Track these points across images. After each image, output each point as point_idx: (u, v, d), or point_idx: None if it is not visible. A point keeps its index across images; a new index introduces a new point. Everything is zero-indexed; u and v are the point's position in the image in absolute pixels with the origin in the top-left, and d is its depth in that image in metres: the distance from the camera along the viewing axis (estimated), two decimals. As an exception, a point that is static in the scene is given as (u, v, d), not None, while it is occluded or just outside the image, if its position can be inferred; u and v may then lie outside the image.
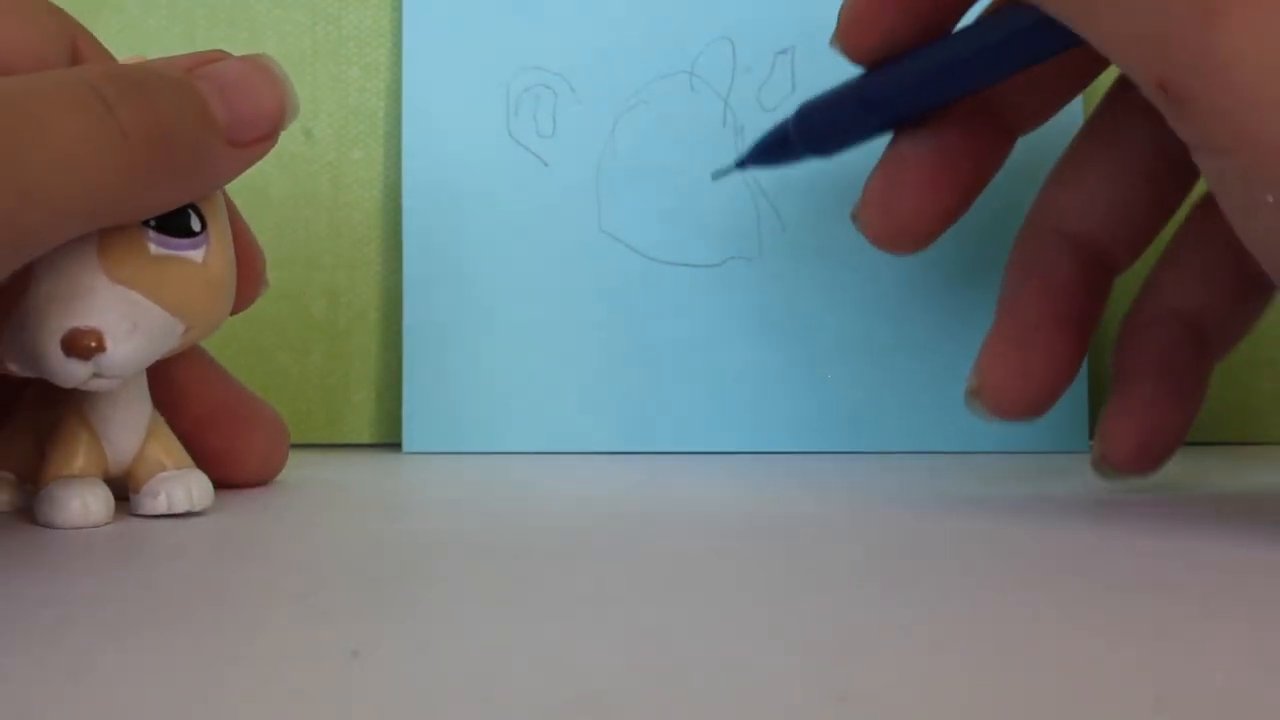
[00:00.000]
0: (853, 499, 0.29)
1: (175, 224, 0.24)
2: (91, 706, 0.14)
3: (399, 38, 0.40)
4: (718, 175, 0.34)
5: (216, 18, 0.40)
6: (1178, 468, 0.35)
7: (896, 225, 0.29)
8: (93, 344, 0.23)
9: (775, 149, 0.31)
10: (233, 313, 0.27)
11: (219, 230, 0.25)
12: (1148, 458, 0.29)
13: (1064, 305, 0.29)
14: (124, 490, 0.27)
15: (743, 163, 0.32)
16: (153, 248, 0.24)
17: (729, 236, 0.40)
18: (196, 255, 0.25)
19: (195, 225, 0.25)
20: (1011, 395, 0.29)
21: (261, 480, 0.31)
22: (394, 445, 0.40)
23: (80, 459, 0.26)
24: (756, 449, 0.39)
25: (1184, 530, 0.24)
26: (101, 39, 0.26)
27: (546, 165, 0.40)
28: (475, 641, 0.17)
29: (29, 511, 0.26)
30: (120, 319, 0.23)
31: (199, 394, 0.29)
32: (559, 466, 0.36)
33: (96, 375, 0.23)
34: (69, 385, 0.24)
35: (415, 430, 0.39)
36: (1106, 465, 0.29)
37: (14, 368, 0.24)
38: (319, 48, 0.41)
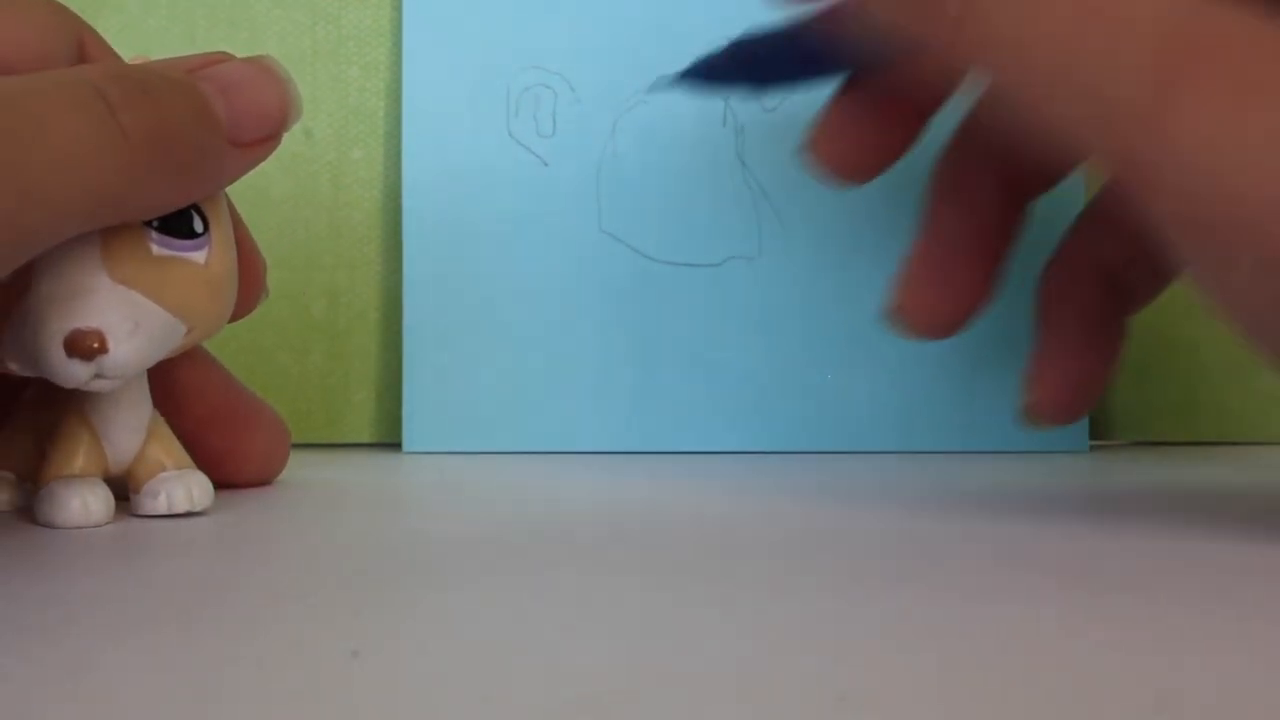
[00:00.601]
0: (852, 499, 0.29)
1: (178, 225, 0.24)
2: (91, 706, 0.14)
3: (399, 37, 0.40)
4: (654, 89, 0.33)
5: (217, 17, 0.40)
6: (1178, 467, 0.35)
7: (844, 155, 0.30)
8: (95, 345, 0.23)
9: (709, 72, 0.30)
10: (232, 320, 0.27)
11: (221, 231, 0.25)
12: (1072, 408, 0.31)
13: (985, 228, 0.30)
14: (124, 490, 0.27)
15: (682, 77, 0.31)
16: (155, 248, 0.24)
17: (729, 236, 0.40)
18: (199, 256, 0.25)
19: (198, 226, 0.25)
20: (928, 318, 0.30)
21: (262, 481, 0.31)
22: (394, 445, 0.40)
23: (80, 459, 0.26)
24: (756, 449, 0.39)
25: (1184, 530, 0.24)
26: (101, 39, 0.26)
27: (547, 165, 0.40)
28: (475, 641, 0.17)
29: (29, 511, 0.26)
30: (122, 320, 0.23)
31: (201, 394, 0.29)
32: (559, 466, 0.36)
33: (98, 376, 0.23)
34: (70, 386, 0.24)
35: (415, 430, 0.39)
36: (1034, 415, 0.31)
37: (15, 367, 0.24)
38: (319, 47, 0.41)
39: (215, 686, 0.14)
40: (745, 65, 0.29)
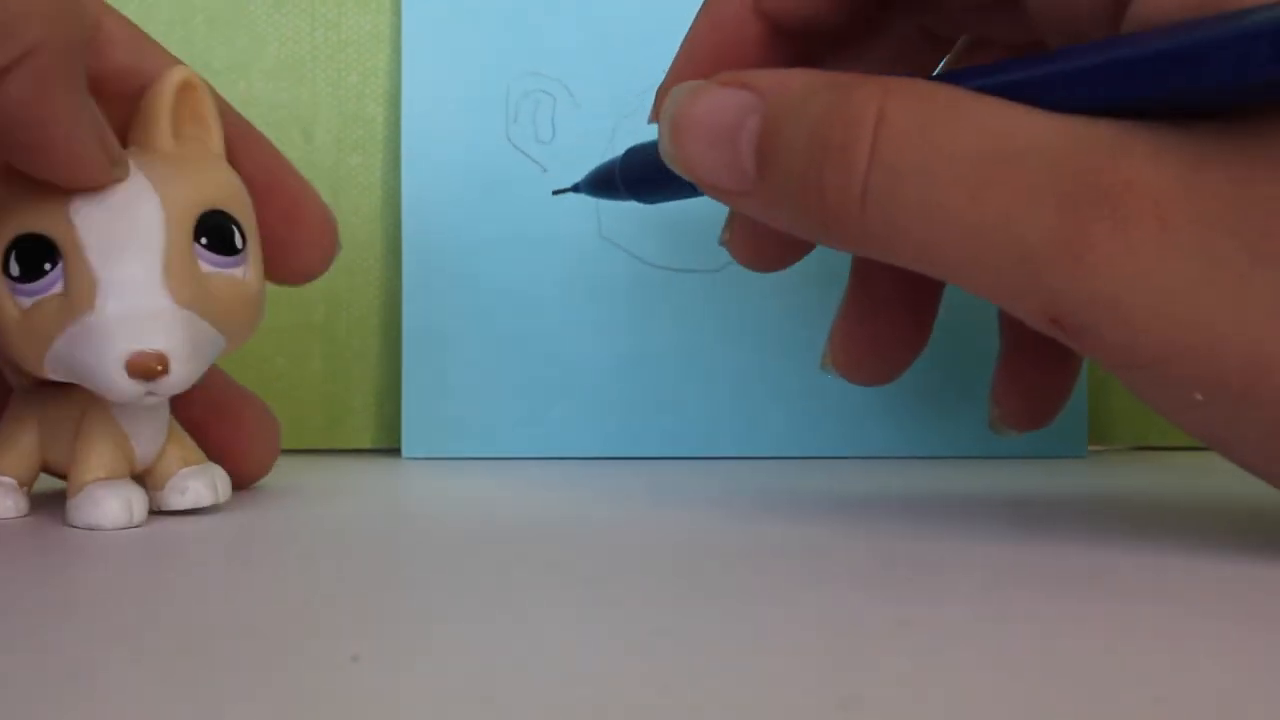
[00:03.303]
0: (850, 504, 0.29)
1: (222, 242, 0.25)
2: (91, 707, 0.14)
3: (398, 43, 0.40)
4: (557, 192, 0.34)
5: (216, 23, 0.40)
6: (1176, 472, 0.36)
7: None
8: (159, 368, 0.23)
9: (604, 183, 0.31)
10: (304, 280, 0.28)
11: (254, 244, 0.26)
12: (1039, 417, 0.32)
13: (912, 284, 0.30)
14: None
15: (578, 188, 0.33)
16: (204, 266, 0.24)
17: (728, 242, 0.40)
18: (239, 272, 0.25)
19: (239, 243, 0.25)
20: (860, 370, 0.31)
21: (260, 473, 0.31)
22: (393, 451, 0.40)
23: (114, 459, 0.26)
24: (755, 454, 0.39)
25: (1182, 535, 0.24)
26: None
27: (545, 171, 0.40)
28: (475, 645, 0.17)
29: (32, 514, 0.26)
30: (183, 342, 0.24)
31: (205, 387, 0.29)
32: (558, 471, 0.36)
33: (150, 394, 0.24)
34: (118, 401, 0.24)
35: (414, 436, 0.39)
36: (1003, 425, 0.32)
37: (53, 375, 0.24)
38: (318, 53, 0.41)
39: (215, 691, 0.14)
40: (635, 178, 0.30)
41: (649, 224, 0.40)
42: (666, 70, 0.31)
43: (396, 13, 0.41)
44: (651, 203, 0.31)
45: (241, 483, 0.30)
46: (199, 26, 0.40)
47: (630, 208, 0.40)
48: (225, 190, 0.25)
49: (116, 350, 0.23)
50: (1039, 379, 0.32)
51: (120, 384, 0.23)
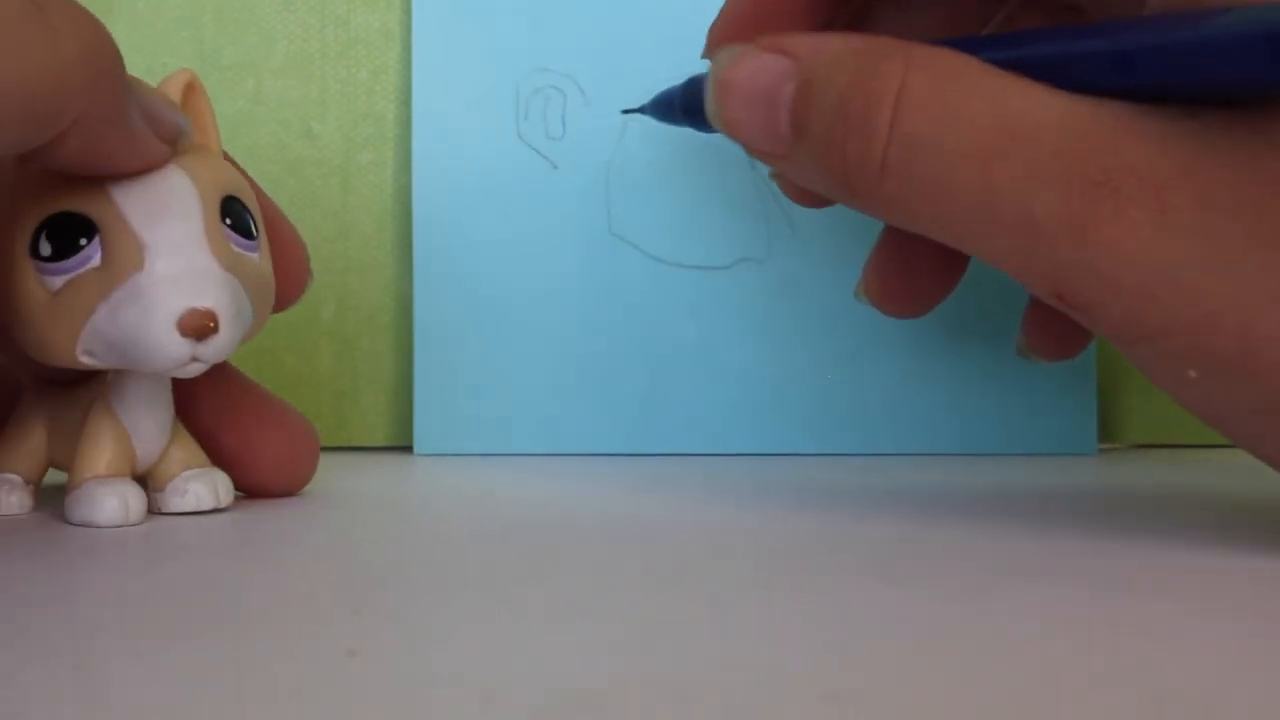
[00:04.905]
0: (859, 501, 0.29)
1: (242, 226, 0.25)
2: (91, 704, 0.14)
3: (408, 40, 0.40)
4: (626, 112, 0.35)
5: (225, 20, 0.41)
6: (1186, 470, 0.35)
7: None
8: (211, 324, 0.23)
9: (666, 108, 0.31)
10: (279, 309, 0.28)
11: (264, 235, 0.26)
12: (1068, 348, 0.33)
13: None
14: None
15: (644, 109, 0.33)
16: (232, 246, 0.25)
17: (738, 239, 0.40)
18: (256, 258, 0.26)
19: (253, 229, 0.25)
20: (892, 300, 0.31)
21: (287, 484, 0.30)
22: (405, 448, 0.40)
23: (114, 457, 0.26)
24: (765, 451, 0.39)
25: (1191, 533, 0.24)
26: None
27: (556, 168, 0.40)
28: (477, 642, 0.17)
29: (38, 513, 0.27)
30: (230, 302, 0.24)
31: (214, 392, 0.29)
32: (569, 468, 0.36)
33: (194, 359, 0.24)
34: (165, 367, 0.24)
35: (426, 432, 0.39)
36: (1031, 353, 0.33)
37: (88, 360, 0.24)
38: (328, 50, 0.41)
39: (214, 686, 0.15)
40: (695, 108, 0.30)
41: (660, 220, 0.40)
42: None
43: (406, 9, 0.41)
44: (708, 132, 0.31)
45: (272, 491, 0.30)
46: (208, 24, 0.41)
47: (640, 204, 0.40)
48: (237, 181, 0.26)
49: (168, 308, 0.23)
50: (1065, 320, 0.32)
51: (170, 345, 0.23)
